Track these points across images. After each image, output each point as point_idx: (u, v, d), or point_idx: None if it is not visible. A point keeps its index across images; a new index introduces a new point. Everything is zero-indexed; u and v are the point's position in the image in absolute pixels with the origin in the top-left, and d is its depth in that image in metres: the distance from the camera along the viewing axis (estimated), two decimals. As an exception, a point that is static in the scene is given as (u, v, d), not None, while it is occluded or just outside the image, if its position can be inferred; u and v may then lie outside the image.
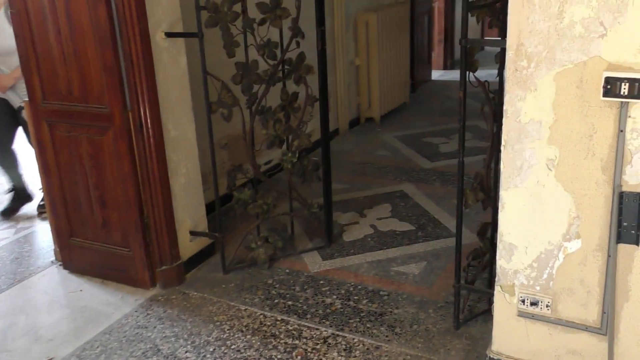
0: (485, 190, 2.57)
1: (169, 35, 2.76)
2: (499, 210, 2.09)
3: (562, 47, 1.81)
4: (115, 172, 2.78)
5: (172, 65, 2.84)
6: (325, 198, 3.23)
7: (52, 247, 3.28)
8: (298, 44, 2.88)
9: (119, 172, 2.77)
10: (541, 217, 2.00)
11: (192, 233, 3.06)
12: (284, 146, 3.02)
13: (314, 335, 2.52)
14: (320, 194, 3.20)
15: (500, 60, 2.43)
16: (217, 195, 2.94)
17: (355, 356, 2.38)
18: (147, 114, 2.69)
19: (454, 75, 7.30)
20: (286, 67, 2.92)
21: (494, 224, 2.57)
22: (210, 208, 3.22)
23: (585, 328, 1.98)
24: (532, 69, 1.87)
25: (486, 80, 2.52)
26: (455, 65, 7.73)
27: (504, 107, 1.97)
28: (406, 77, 5.92)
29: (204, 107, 2.79)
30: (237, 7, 2.70)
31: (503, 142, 2.01)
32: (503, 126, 1.99)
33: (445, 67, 7.58)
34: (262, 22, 2.76)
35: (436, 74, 7.28)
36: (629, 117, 1.74)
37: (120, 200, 2.83)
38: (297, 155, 3.02)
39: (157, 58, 2.71)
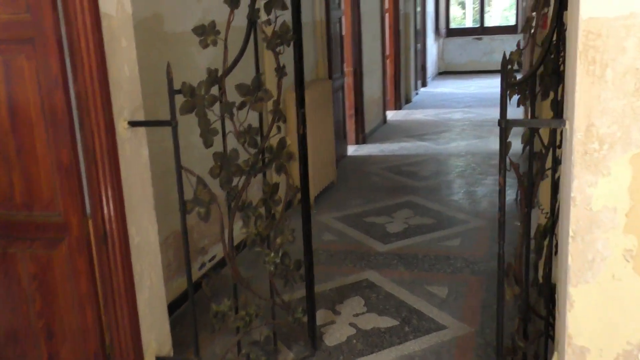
0: (519, 283, 2.31)
1: (134, 124, 2.33)
2: (567, 310, 1.84)
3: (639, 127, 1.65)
4: (69, 294, 2.24)
5: (134, 159, 2.40)
6: (308, 300, 2.84)
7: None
8: (279, 128, 2.55)
9: (74, 294, 2.24)
10: (618, 314, 1.78)
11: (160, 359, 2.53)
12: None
13: None
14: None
15: (529, 138, 2.24)
16: (195, 314, 2.46)
17: None
18: (113, 219, 2.21)
19: (368, 149, 7.26)
20: (267, 156, 2.57)
21: (524, 321, 2.33)
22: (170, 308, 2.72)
23: None
24: (605, 151, 1.69)
25: (518, 163, 2.29)
26: (367, 139, 7.71)
27: (572, 195, 1.76)
28: (332, 154, 5.73)
29: (167, 205, 2.36)
30: (215, 90, 2.35)
31: (571, 233, 1.79)
32: (571, 216, 1.78)
33: (357, 142, 7.52)
34: (241, 105, 2.42)
35: (351, 149, 7.19)
36: None
37: (73, 329, 2.27)
38: (280, 254, 2.64)
39: (119, 152, 2.27)
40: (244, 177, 2.49)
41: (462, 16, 20.10)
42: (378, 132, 8.24)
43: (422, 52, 12.26)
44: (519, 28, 14.31)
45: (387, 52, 9.44)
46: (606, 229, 1.74)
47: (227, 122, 2.41)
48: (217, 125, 2.37)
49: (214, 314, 2.52)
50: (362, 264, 3.91)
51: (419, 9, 11.76)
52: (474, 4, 18.08)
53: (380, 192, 5.47)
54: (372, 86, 8.23)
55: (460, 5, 20.27)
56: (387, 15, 9.41)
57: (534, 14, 2.20)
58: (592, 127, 1.69)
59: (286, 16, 2.50)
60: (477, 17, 16.48)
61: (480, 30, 15.47)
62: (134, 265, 2.38)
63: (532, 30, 2.22)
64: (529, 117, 2.24)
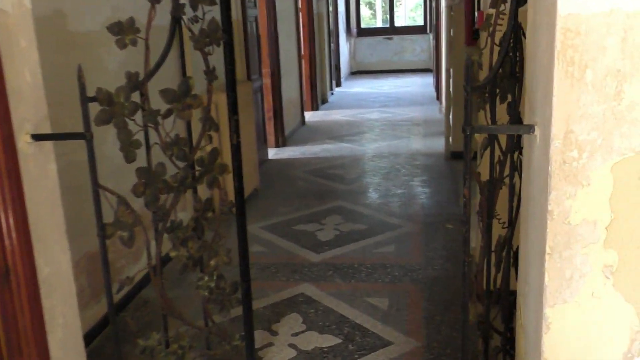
0: (481, 300, 2.16)
1: (39, 138, 1.98)
2: (543, 333, 1.69)
3: (622, 132, 1.51)
4: (-36, 343, 1.86)
5: (40, 178, 2.04)
6: (246, 324, 2.58)
7: None
8: (210, 138, 2.27)
9: (-29, 343, 1.86)
10: (597, 334, 1.65)
11: (79, 408, 2.19)
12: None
13: None
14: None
15: (490, 145, 2.08)
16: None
17: None
18: (16, 252, 1.85)
19: (289, 152, 7.04)
20: (197, 168, 2.28)
21: (486, 340, 2.18)
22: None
23: None
24: (585, 159, 1.54)
25: (478, 172, 2.13)
26: (288, 142, 7.49)
27: (549, 208, 1.61)
28: (255, 160, 5.46)
29: (77, 224, 2.03)
30: (136, 97, 2.04)
31: (548, 250, 1.63)
32: (547, 231, 1.62)
33: (277, 145, 7.28)
34: (167, 114, 2.12)
35: (271, 153, 6.94)
36: None
37: (-29, 384, 1.89)
38: (214, 278, 2.36)
39: (22, 171, 1.91)
40: (172, 195, 2.20)
41: (371, 16, 20.31)
42: (298, 134, 8.04)
43: (336, 52, 12.19)
44: (428, 28, 14.57)
45: (303, 52, 9.26)
46: (585, 243, 1.60)
47: (152, 133, 2.11)
48: (140, 136, 2.07)
49: (142, 350, 2.21)
50: (296, 277, 3.68)
51: (331, 8, 11.67)
52: (383, 4, 18.26)
53: (307, 198, 5.26)
54: (290, 87, 8.01)
55: (369, 6, 20.46)
56: (300, 14, 9.22)
57: (492, 10, 2.05)
58: (571, 133, 1.54)
59: (215, 13, 2.23)
60: (386, 17, 16.66)
61: (391, 30, 15.63)
62: (43, 302, 2.03)
63: (491, 29, 2.06)
64: (489, 122, 2.09)
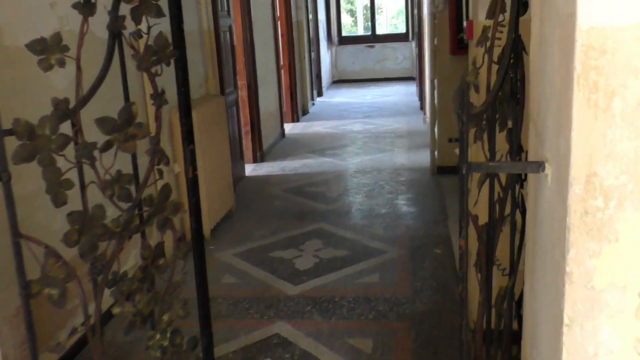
0: (481, 364, 1.84)
1: (-55, 180, 1.63)
2: (561, 419, 1.38)
3: (658, 176, 1.21)
4: None
5: (-50, 228, 1.70)
6: (208, 385, 2.24)
7: None
8: (160, 172, 1.94)
9: None
10: (627, 422, 1.34)
11: None
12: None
13: None
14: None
15: (490, 183, 1.77)
16: None
17: None
18: None
19: (267, 168, 6.70)
20: (144, 209, 1.95)
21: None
22: None
23: None
24: (612, 210, 1.23)
25: (475, 216, 1.81)
26: (266, 157, 7.15)
27: (567, 269, 1.29)
28: (229, 179, 5.12)
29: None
30: (67, 127, 1.70)
31: (567, 321, 1.32)
32: (565, 297, 1.31)
33: (255, 161, 6.94)
34: (106, 146, 1.78)
35: (248, 169, 6.60)
36: None
37: None
38: (167, 335, 2.02)
39: None
40: (114, 241, 1.86)
41: (352, 24, 20.08)
42: (277, 148, 7.71)
43: (317, 61, 11.89)
44: (410, 36, 14.33)
45: (282, 62, 8.94)
46: (613, 313, 1.29)
47: (88, 170, 1.77)
48: (73, 175, 1.73)
49: None
50: (270, 314, 3.34)
51: (311, 16, 11.38)
52: (364, 11, 18.04)
53: (286, 219, 4.92)
54: (268, 99, 7.69)
55: (350, 13, 20.23)
56: (279, 23, 8.91)
57: (487, 22, 1.74)
58: (595, 177, 1.23)
59: (163, 25, 1.90)
60: (368, 24, 16.42)
61: (372, 38, 15.37)
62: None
63: (489, 43, 1.76)
64: (487, 154, 1.78)
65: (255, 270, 3.94)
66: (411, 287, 3.56)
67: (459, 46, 5.68)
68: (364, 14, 18.43)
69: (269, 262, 4.05)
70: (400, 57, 14.73)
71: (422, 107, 9.36)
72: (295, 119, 9.51)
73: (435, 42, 5.84)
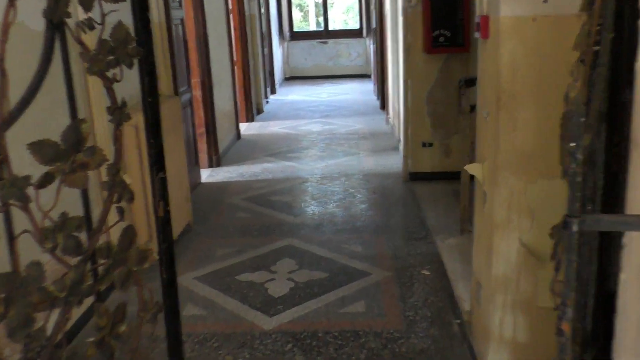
0: None
1: None
2: None
3: None
4: None
5: None
6: None
7: None
8: (121, 212, 1.43)
9: None
10: None
11: None
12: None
13: None
14: None
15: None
16: None
17: None
18: None
19: (225, 174, 6.17)
20: (100, 262, 1.44)
21: None
22: None
23: None
24: None
25: None
26: (223, 160, 6.61)
27: None
28: (186, 189, 4.58)
29: None
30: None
31: None
32: None
33: (211, 165, 6.39)
34: (45, 181, 1.27)
35: (204, 175, 6.05)
36: None
37: None
38: None
39: None
40: (57, 310, 1.34)
41: (302, 18, 19.61)
42: (233, 151, 7.17)
43: (270, 57, 11.37)
44: (364, 32, 13.97)
45: (235, 58, 8.39)
46: None
47: (18, 214, 1.25)
48: (-4, 223, 1.21)
49: None
50: (245, 355, 2.85)
51: (263, 9, 10.85)
52: (316, 7, 17.59)
53: (251, 235, 4.43)
54: (223, 97, 7.14)
55: (299, 8, 19.74)
56: (232, 16, 8.35)
57: (585, 21, 1.30)
58: None
59: (123, 14, 1.40)
60: (320, 20, 15.99)
61: (325, 34, 14.93)
62: None
63: (589, 49, 1.31)
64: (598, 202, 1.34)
65: (222, 297, 3.44)
66: (403, 317, 3.14)
67: (434, 44, 5.31)
68: (315, 9, 17.99)
69: (238, 288, 3.55)
70: (354, 53, 14.35)
71: (384, 107, 8.99)
72: (250, 118, 8.98)
73: (408, 39, 5.43)
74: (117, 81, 1.36)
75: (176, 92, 4.94)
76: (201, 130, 6.30)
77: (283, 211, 4.91)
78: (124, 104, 1.38)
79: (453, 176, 5.27)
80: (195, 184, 5.63)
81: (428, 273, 3.64)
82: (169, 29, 4.86)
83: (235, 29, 8.66)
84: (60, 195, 1.29)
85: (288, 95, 11.72)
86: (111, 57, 1.34)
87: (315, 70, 14.32)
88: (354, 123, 8.57)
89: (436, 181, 5.33)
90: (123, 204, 1.43)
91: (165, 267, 1.57)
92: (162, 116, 3.99)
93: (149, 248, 1.49)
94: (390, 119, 8.08)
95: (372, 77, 12.00)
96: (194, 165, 5.63)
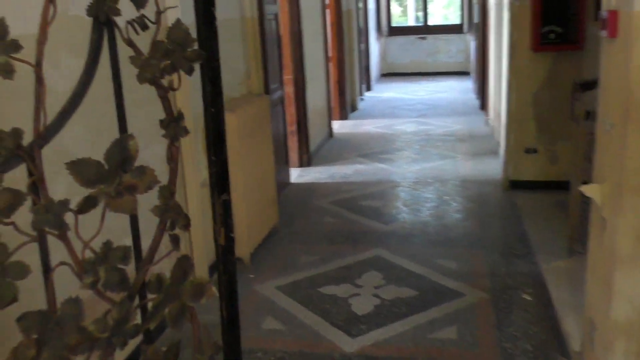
0: None
1: None
2: None
3: None
4: None
5: None
6: None
7: None
8: (176, 241, 1.24)
9: None
10: None
11: None
12: None
13: None
14: None
15: None
16: None
17: None
18: None
19: (315, 174, 5.99)
20: (149, 297, 1.25)
21: None
22: None
23: None
24: None
25: None
26: (313, 160, 6.45)
27: None
28: (273, 192, 4.43)
29: None
30: (20, 173, 1.02)
31: None
32: None
33: (301, 165, 6.24)
34: (86, 206, 1.09)
35: (294, 174, 5.90)
36: None
37: None
38: None
39: None
40: (99, 354, 1.17)
41: (401, 14, 19.17)
42: (324, 150, 6.99)
43: (366, 53, 11.10)
44: (466, 27, 13.40)
45: (330, 54, 8.20)
46: None
47: (55, 243, 1.09)
48: (29, 253, 1.05)
49: None
50: (322, 381, 2.63)
51: (360, 4, 10.59)
52: (415, 1, 17.11)
53: (338, 242, 4.21)
54: (316, 95, 6.97)
55: (398, 2, 19.31)
56: (328, 11, 8.16)
57: None
58: None
59: (183, 12, 1.20)
60: (419, 14, 15.54)
61: (424, 29, 14.47)
62: None
63: None
64: None
65: (303, 312, 3.24)
66: (499, 349, 2.81)
67: (543, 41, 4.86)
68: (415, 4, 17.50)
69: (320, 301, 3.34)
70: (454, 49, 13.80)
71: (484, 107, 8.50)
72: (343, 116, 8.76)
73: (514, 37, 5.01)
74: (173, 89, 1.16)
75: (267, 91, 4.80)
76: (292, 128, 6.15)
77: (372, 218, 4.65)
78: (180, 115, 1.18)
79: (559, 186, 4.82)
80: (284, 184, 5.48)
81: (529, 298, 3.27)
82: (261, 24, 4.73)
83: (331, 25, 8.48)
84: (104, 221, 1.11)
85: (384, 93, 11.41)
86: (167, 62, 1.15)
87: (413, 67, 13.90)
88: (452, 123, 8.15)
89: (540, 191, 4.89)
90: (178, 231, 1.24)
91: (226, 302, 1.37)
92: (250, 116, 3.83)
93: (207, 281, 1.29)
94: (489, 120, 7.61)
95: (472, 75, 11.46)
96: (283, 164, 5.48)
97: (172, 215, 1.21)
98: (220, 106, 1.26)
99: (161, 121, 1.17)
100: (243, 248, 3.80)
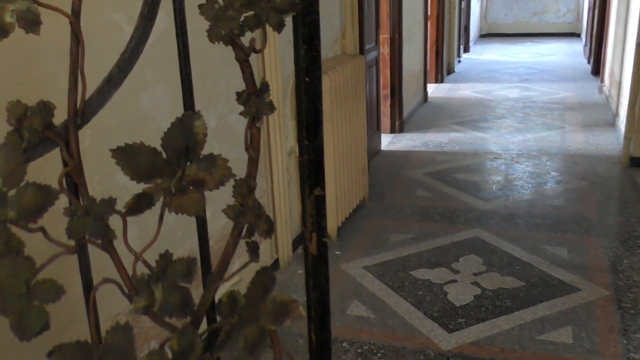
0: None
1: None
2: None
3: None
4: None
5: None
6: None
7: None
8: (255, 251, 0.95)
9: None
10: None
11: None
12: None
13: None
14: None
15: None
16: None
17: None
18: None
19: (407, 142, 5.61)
20: (220, 320, 0.98)
21: None
22: None
23: None
24: None
25: None
26: (406, 126, 6.06)
27: None
28: (364, 161, 4.11)
29: None
30: (53, 160, 0.75)
31: None
32: None
33: (393, 131, 5.87)
34: (138, 206, 0.82)
35: (385, 141, 5.55)
36: None
37: None
38: None
39: None
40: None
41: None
42: (418, 116, 6.57)
43: (467, 11, 10.42)
44: (577, -16, 12.33)
45: (430, 12, 7.67)
46: None
47: (97, 253, 0.83)
48: (63, 265, 0.80)
49: None
50: (415, 382, 2.34)
51: (463, -41, 9.89)
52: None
53: (431, 219, 3.86)
54: (412, 56, 6.52)
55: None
56: (429, -34, 7.60)
57: None
58: None
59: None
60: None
61: (530, -14, 13.48)
62: None
63: None
64: None
65: (394, 298, 2.94)
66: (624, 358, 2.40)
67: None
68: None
69: (412, 287, 3.03)
70: (564, 8, 12.77)
71: (597, 73, 7.74)
72: (439, 79, 8.26)
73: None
74: (257, 51, 0.86)
75: (361, 51, 4.44)
76: (386, 91, 5.77)
77: (470, 193, 4.25)
78: (266, 86, 0.88)
79: (692, 167, 4.23)
80: (375, 152, 5.15)
81: (659, 300, 2.82)
82: (358, -22, 4.34)
83: (431, -20, 7.92)
84: (161, 226, 0.84)
85: (482, 54, 10.72)
86: (249, 13, 0.84)
87: (515, 27, 13.01)
88: (559, 90, 7.48)
89: None
90: (259, 237, 0.95)
91: (316, 325, 1.08)
92: (344, 78, 3.49)
93: (292, 300, 1.01)
94: (605, 88, 6.89)
95: (584, 36, 10.53)
96: (374, 130, 5.15)
97: (251, 218, 0.92)
98: (317, 76, 0.95)
99: (238, 94, 0.87)
100: (330, 222, 3.53)
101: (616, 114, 5.68)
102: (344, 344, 2.60)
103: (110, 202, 0.80)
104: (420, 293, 2.98)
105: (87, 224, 0.79)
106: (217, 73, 2.48)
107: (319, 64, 0.96)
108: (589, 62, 8.80)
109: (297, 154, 3.47)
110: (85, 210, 0.79)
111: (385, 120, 5.77)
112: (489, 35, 13.13)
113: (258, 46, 0.87)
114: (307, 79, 0.94)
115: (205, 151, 0.84)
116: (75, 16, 0.74)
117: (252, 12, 0.85)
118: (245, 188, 0.91)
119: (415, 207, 4.08)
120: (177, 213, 0.86)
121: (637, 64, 4.39)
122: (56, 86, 0.99)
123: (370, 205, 4.10)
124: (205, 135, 0.83)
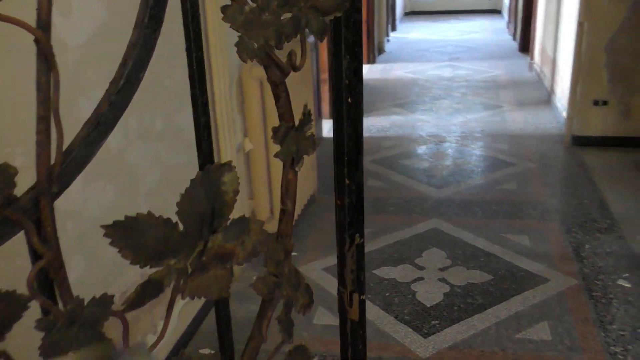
0: None
1: None
2: None
3: None
4: None
5: None
6: None
7: None
8: (288, 329, 0.72)
9: None
10: None
11: None
12: None
13: None
14: None
15: None
16: None
17: None
18: None
19: (348, 126, 5.40)
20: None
21: None
22: None
23: None
24: None
25: None
26: (345, 111, 5.86)
27: None
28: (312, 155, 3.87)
29: None
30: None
31: None
32: None
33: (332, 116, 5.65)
34: (140, 299, 0.57)
35: (326, 128, 5.34)
36: None
37: None
38: None
39: None
40: None
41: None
42: (355, 99, 6.39)
43: (392, -10, 10.32)
44: (495, -39, 12.48)
45: (359, -9, 7.47)
46: None
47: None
48: None
49: None
50: (398, 397, 2.17)
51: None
52: None
53: (386, 211, 3.71)
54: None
55: None
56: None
57: None
58: None
59: None
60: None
61: (450, -37, 13.54)
62: None
63: None
64: None
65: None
66: (608, 356, 2.33)
67: (621, -24, 4.20)
68: None
69: (378, 288, 2.87)
70: (484, -14, 12.93)
71: (526, 50, 7.82)
72: (371, 59, 8.11)
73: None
74: (295, 69, 0.62)
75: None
76: (325, 75, 5.55)
77: (421, 180, 4.13)
78: (308, 117, 0.65)
79: (634, 143, 4.27)
80: (317, 140, 4.94)
81: (628, 285, 2.78)
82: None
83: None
84: (168, 322, 0.60)
85: (409, 33, 10.68)
86: (286, 16, 0.60)
87: (438, 5, 13.06)
88: (490, 68, 7.50)
89: (611, 148, 4.34)
90: (294, 314, 0.73)
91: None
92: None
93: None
94: (535, 65, 6.96)
95: (505, 13, 10.68)
96: (316, 117, 4.93)
97: (289, 291, 0.69)
98: (360, 92, 0.72)
99: (275, 130, 0.63)
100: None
101: (551, 92, 5.72)
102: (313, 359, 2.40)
103: (104, 301, 0.54)
104: (387, 294, 2.81)
105: (71, 336, 0.54)
106: (162, 67, 2.19)
107: (361, 76, 0.73)
108: (514, 39, 8.91)
109: (245, 150, 3.20)
110: (68, 318, 0.53)
111: (325, 105, 5.56)
112: (412, 13, 13.13)
113: (297, 61, 0.63)
114: (349, 99, 0.71)
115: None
116: (43, 30, 0.48)
117: (290, 14, 0.61)
118: (282, 253, 0.68)
119: (368, 199, 3.88)
120: (192, 298, 0.62)
121: (579, 43, 4.37)
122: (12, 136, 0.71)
123: (321, 200, 3.90)
124: (237, 192, 0.59)
